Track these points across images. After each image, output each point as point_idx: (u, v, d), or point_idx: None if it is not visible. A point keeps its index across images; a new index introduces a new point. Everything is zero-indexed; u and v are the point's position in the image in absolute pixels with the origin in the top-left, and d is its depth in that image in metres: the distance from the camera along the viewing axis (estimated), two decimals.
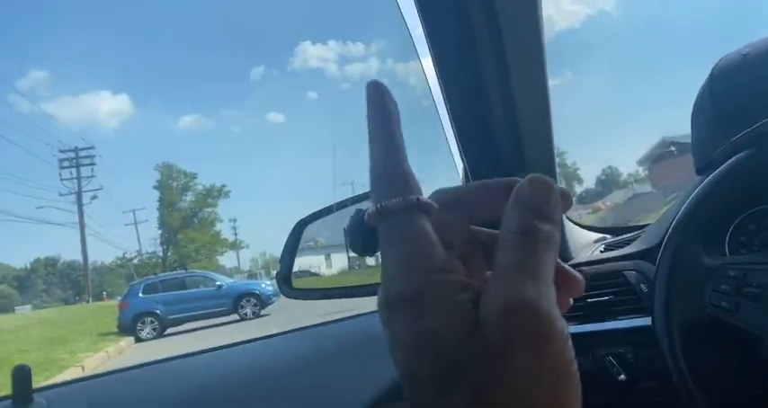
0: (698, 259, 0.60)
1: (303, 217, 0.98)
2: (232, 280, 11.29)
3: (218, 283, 9.79)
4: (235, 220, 22.58)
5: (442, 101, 0.80)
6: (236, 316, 8.97)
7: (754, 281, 0.56)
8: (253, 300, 9.16)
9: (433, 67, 0.76)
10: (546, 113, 0.76)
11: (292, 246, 0.97)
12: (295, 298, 0.96)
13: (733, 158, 0.62)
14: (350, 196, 0.96)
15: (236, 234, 22.94)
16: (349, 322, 0.98)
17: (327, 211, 0.97)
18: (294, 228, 0.98)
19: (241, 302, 9.17)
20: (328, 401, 0.51)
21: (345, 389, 0.53)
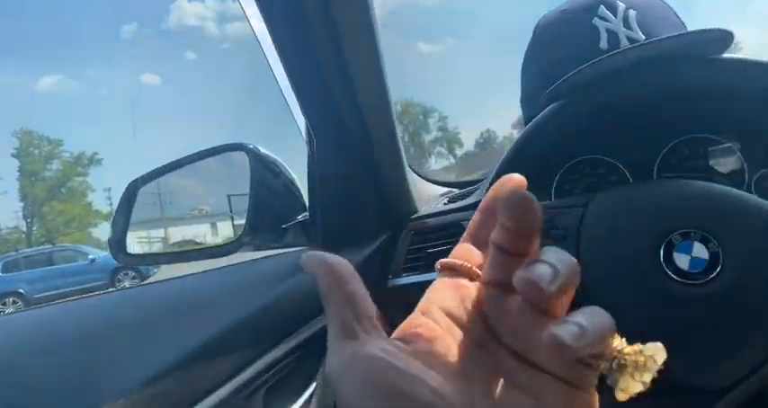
0: None
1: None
2: (107, 253, 10.55)
3: (90, 257, 9.12)
4: (110, 189, 21.00)
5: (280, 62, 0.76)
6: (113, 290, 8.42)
7: (559, 224, 0.59)
8: (131, 273, 8.66)
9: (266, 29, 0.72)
10: (379, 69, 0.75)
11: (125, 209, 0.89)
12: (129, 264, 0.91)
13: (547, 108, 0.64)
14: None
15: (111, 204, 21.34)
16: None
17: (162, 170, 0.90)
18: (126, 190, 0.90)
19: (118, 275, 8.64)
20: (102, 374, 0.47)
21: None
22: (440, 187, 1.12)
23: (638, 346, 0.24)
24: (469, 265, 0.29)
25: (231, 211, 1.01)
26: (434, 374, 0.24)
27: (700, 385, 0.50)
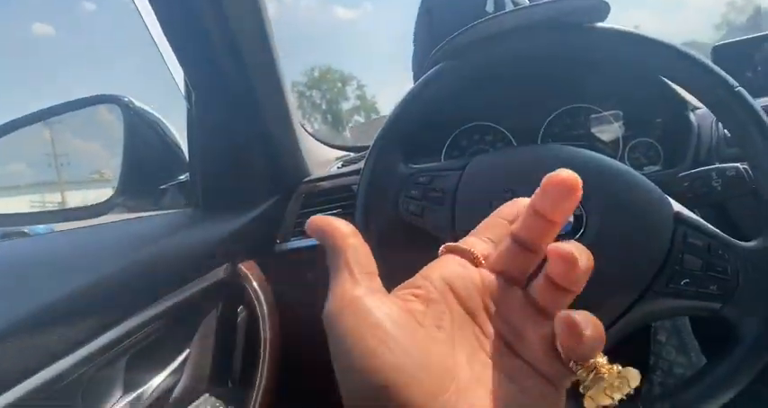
0: (394, 167, 0.62)
1: None
2: None
3: None
4: None
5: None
6: None
7: (437, 186, 0.59)
8: None
9: None
10: (261, 19, 0.71)
11: None
12: None
13: (430, 71, 0.63)
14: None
15: None
16: None
17: (23, 122, 0.81)
18: None
19: None
20: None
21: None
22: (337, 151, 1.10)
23: (617, 367, 0.25)
24: (474, 251, 0.29)
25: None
26: (423, 331, 0.25)
27: None
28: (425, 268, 0.29)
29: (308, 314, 0.84)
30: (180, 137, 0.82)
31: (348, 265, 0.27)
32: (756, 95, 0.57)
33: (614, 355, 0.62)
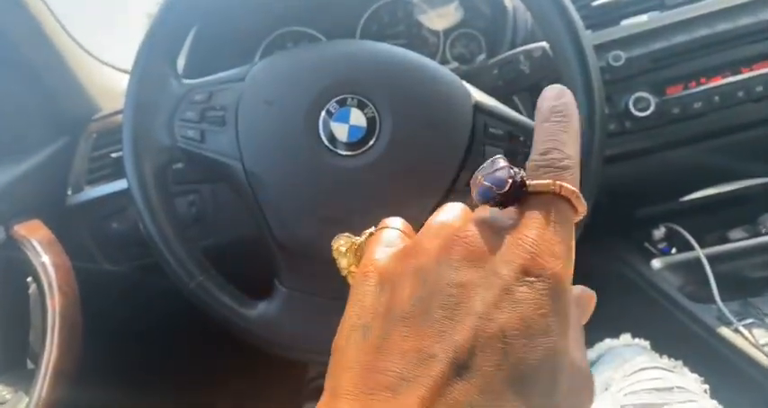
0: (164, 84, 0.51)
1: None
2: None
3: None
4: None
5: None
6: None
7: (217, 104, 0.50)
8: None
9: None
10: None
11: None
12: None
13: None
14: None
15: None
16: None
17: None
18: None
19: None
20: None
21: None
22: None
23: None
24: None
25: None
26: None
27: None
28: None
29: (116, 272, 0.75)
30: None
31: None
32: None
33: None
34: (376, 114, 0.47)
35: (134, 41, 0.54)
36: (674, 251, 0.81)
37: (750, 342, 0.61)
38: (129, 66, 0.53)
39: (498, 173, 0.20)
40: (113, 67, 0.84)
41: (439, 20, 0.78)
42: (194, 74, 0.56)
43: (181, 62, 0.76)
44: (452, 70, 0.51)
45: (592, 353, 0.60)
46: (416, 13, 0.79)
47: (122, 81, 0.89)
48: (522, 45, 0.65)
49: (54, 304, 0.58)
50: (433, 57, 0.79)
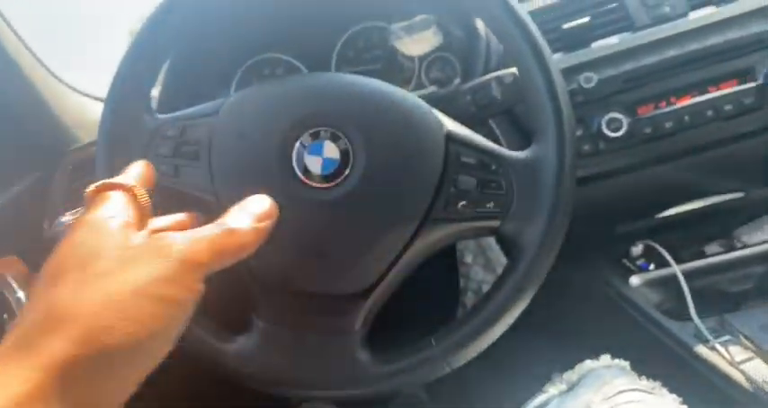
0: (137, 119, 0.51)
1: None
2: None
3: None
4: None
5: None
6: None
7: (191, 138, 0.50)
8: None
9: None
10: None
11: None
12: None
13: None
14: None
15: None
16: None
17: None
18: None
19: None
20: None
21: None
22: None
23: None
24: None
25: None
26: None
27: (339, 293, 0.48)
28: None
29: None
30: None
31: None
32: None
33: (423, 284, 0.59)
34: (349, 146, 0.47)
35: (109, 70, 0.54)
36: (651, 267, 0.82)
37: (726, 360, 0.62)
38: (104, 94, 0.53)
39: None
40: (88, 96, 0.84)
41: (414, 46, 0.79)
42: (170, 103, 0.56)
43: (156, 91, 0.77)
44: (429, 94, 0.51)
45: (573, 375, 0.61)
46: (392, 40, 0.80)
47: (98, 111, 0.89)
48: (495, 70, 0.66)
49: None
50: (409, 81, 0.81)
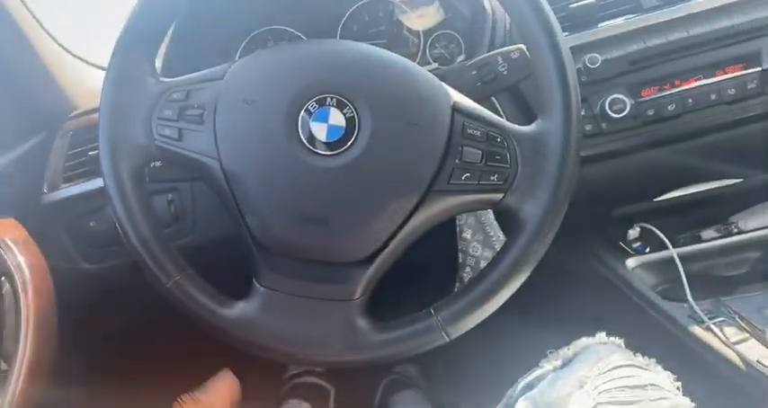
0: (141, 82, 0.51)
1: None
2: None
3: None
4: None
5: None
6: None
7: (195, 102, 0.50)
8: None
9: None
10: None
11: None
12: None
13: None
14: None
15: None
16: None
17: None
18: None
19: None
20: None
21: None
22: None
23: None
24: None
25: None
26: None
27: (340, 260, 0.48)
28: None
29: (94, 271, 0.74)
30: None
31: None
32: None
33: (422, 258, 0.59)
34: (355, 114, 0.47)
35: (111, 38, 0.53)
36: (648, 250, 0.82)
37: (721, 340, 0.63)
38: (105, 62, 0.52)
39: None
40: (90, 64, 0.83)
41: (419, 20, 0.79)
42: (173, 72, 0.56)
43: (159, 61, 0.76)
44: (432, 71, 0.51)
45: (568, 351, 0.61)
46: (397, 14, 0.79)
47: (99, 78, 0.88)
48: (500, 47, 0.66)
49: (29, 304, 0.57)
50: (412, 57, 0.80)
